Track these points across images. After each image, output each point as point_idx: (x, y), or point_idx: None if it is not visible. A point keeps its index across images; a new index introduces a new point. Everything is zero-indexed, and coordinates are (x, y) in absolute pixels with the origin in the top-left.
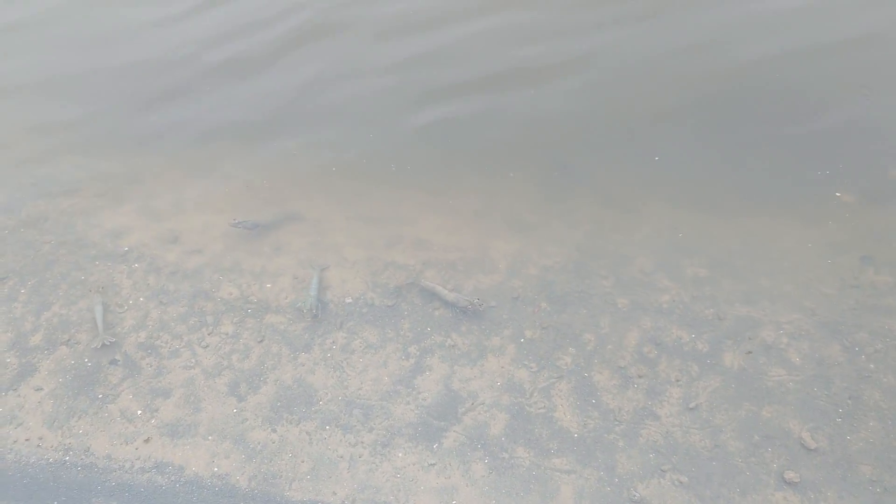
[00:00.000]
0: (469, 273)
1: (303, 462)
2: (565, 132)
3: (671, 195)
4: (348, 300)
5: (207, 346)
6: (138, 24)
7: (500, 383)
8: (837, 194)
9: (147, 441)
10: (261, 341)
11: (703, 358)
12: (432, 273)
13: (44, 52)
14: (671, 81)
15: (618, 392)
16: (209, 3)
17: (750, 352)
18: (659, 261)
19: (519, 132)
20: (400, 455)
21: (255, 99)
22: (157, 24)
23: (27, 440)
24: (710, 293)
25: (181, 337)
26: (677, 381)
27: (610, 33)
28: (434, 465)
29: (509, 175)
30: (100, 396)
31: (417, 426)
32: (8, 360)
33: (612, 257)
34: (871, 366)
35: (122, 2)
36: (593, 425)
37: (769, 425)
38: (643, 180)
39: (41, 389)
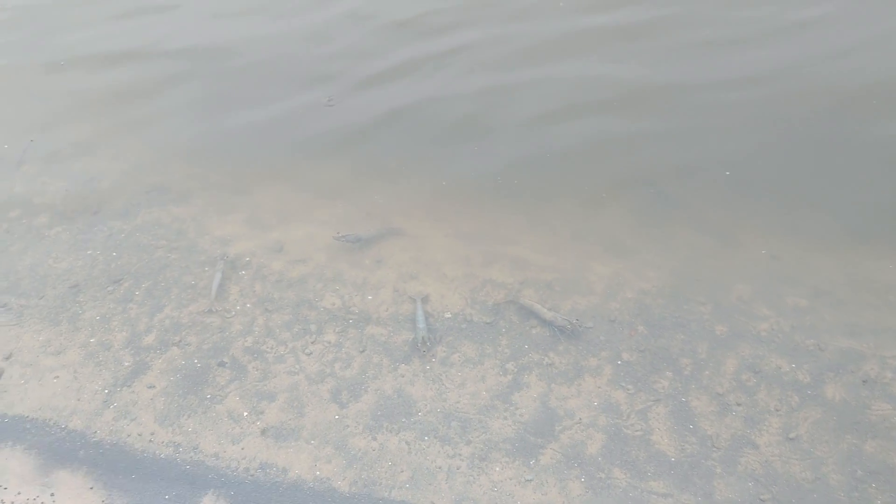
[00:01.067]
0: (566, 294)
1: (402, 471)
2: (662, 157)
3: (769, 224)
4: (447, 315)
5: (311, 354)
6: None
7: (596, 403)
8: None
9: (255, 439)
10: (362, 351)
11: (804, 388)
12: (530, 292)
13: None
14: (768, 110)
15: (716, 418)
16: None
17: (852, 384)
18: (757, 289)
19: (617, 156)
20: (497, 469)
21: (358, 113)
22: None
23: (140, 434)
24: (811, 323)
25: (286, 343)
26: (777, 410)
27: (698, 62)
28: (531, 480)
29: (605, 198)
30: (208, 396)
31: (515, 441)
32: (123, 358)
33: (710, 284)
34: None
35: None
36: (691, 450)
37: (873, 460)
38: (741, 207)
39: (153, 387)
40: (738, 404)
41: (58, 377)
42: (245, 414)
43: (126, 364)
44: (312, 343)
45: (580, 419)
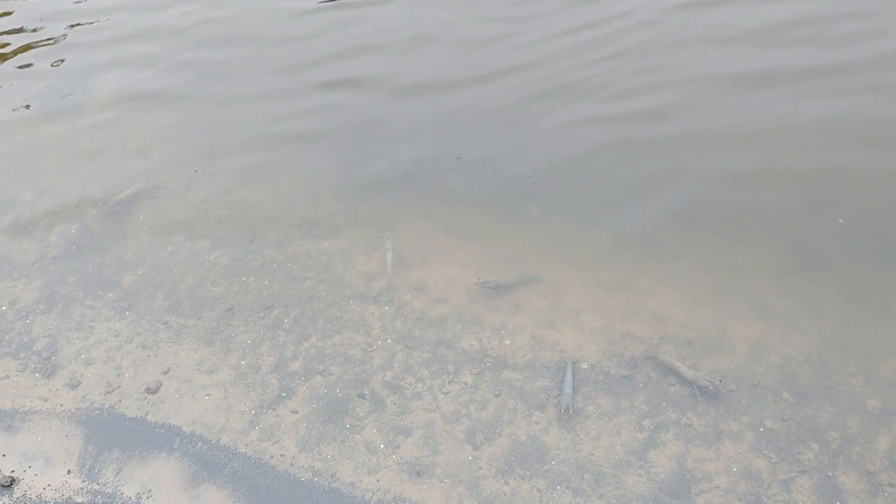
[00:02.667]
0: (707, 353)
1: None
2: (811, 217)
3: None
4: (584, 366)
5: (448, 393)
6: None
7: (736, 469)
8: None
9: (390, 472)
10: (498, 395)
11: None
12: (669, 348)
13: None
14: None
15: (865, 497)
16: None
17: None
18: None
19: (762, 213)
20: None
21: (506, 156)
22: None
23: (282, 457)
24: None
25: (424, 381)
26: None
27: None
28: None
29: (751, 256)
30: (347, 426)
31: (649, 500)
32: (270, 381)
33: (862, 354)
34: None
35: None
36: None
37: None
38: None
39: (297, 412)
40: (892, 485)
41: (209, 395)
42: (382, 446)
43: (273, 388)
44: (450, 383)
45: (718, 484)
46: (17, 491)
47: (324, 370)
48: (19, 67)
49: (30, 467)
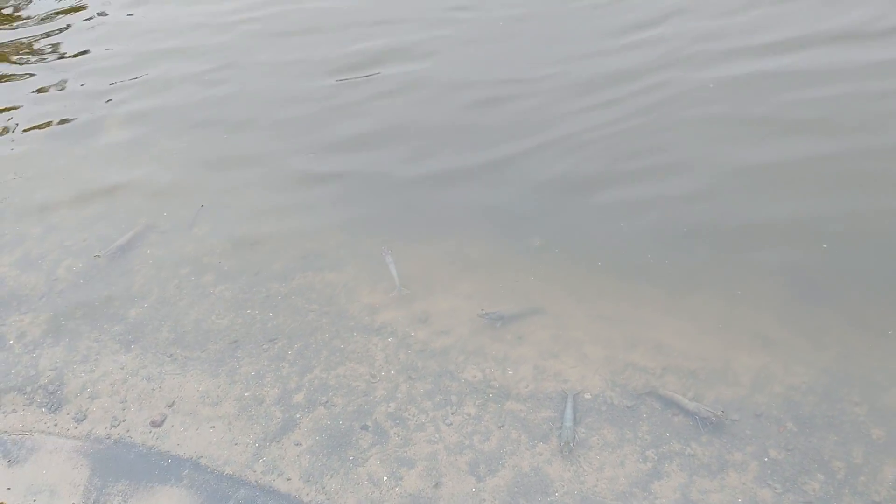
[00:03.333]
0: (710, 383)
1: None
2: (811, 249)
3: None
4: (587, 396)
5: (451, 424)
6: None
7: (741, 500)
8: None
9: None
10: (501, 426)
11: None
12: (672, 378)
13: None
14: None
15: None
16: None
17: None
18: None
19: (763, 246)
20: None
21: (503, 188)
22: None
23: (287, 488)
24: None
25: (427, 412)
26: None
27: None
28: None
29: (751, 286)
30: (350, 458)
31: None
32: (274, 413)
33: (865, 384)
34: None
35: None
36: None
37: None
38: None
39: (300, 444)
40: None
41: (214, 427)
42: (385, 478)
43: (276, 419)
44: (452, 414)
45: None
46: None
47: (327, 401)
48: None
49: (35, 501)
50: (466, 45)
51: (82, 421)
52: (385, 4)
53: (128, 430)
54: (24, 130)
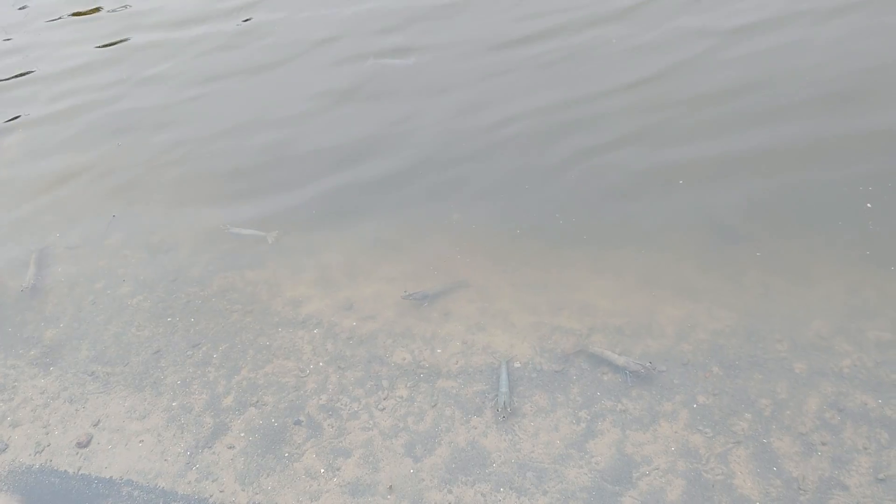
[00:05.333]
0: (637, 338)
1: None
2: (726, 192)
3: (843, 254)
4: (517, 365)
5: (384, 409)
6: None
7: (674, 448)
8: None
9: (332, 495)
10: (434, 405)
11: (893, 425)
12: (599, 338)
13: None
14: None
15: (800, 460)
16: None
17: None
18: (836, 324)
19: (679, 195)
20: None
21: (410, 169)
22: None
23: (221, 493)
24: None
25: (359, 400)
26: (865, 449)
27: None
28: None
29: (672, 238)
30: (286, 455)
31: (592, 490)
32: (204, 420)
33: (786, 321)
34: None
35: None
36: (776, 493)
37: None
38: (813, 239)
39: (233, 447)
40: (824, 444)
41: (143, 441)
42: (322, 471)
43: (207, 426)
44: (385, 399)
45: (658, 465)
46: None
47: (257, 401)
48: None
49: None
50: None
51: (4, 451)
52: None
53: (53, 456)
54: None
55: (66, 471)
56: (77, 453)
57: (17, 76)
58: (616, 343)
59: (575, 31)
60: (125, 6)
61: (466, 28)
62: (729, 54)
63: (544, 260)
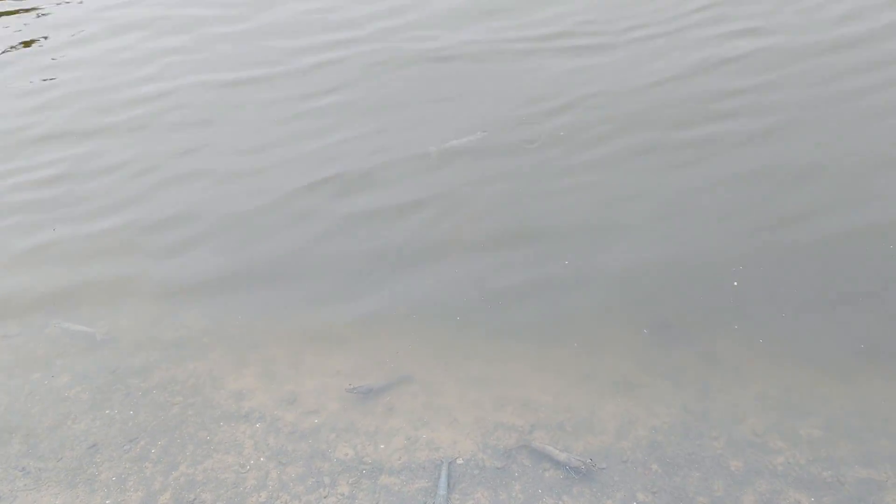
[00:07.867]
0: (578, 434)
1: None
2: (662, 289)
3: (777, 354)
4: (460, 461)
5: None
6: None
7: None
8: None
9: None
10: (375, 503)
11: None
12: (541, 434)
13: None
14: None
15: None
16: None
17: None
18: (770, 421)
19: (615, 290)
20: None
21: (332, 260)
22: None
23: None
24: (827, 455)
25: (299, 497)
26: None
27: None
28: None
29: (611, 335)
30: None
31: None
32: None
33: (722, 418)
34: None
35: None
36: None
37: None
38: (747, 338)
39: None
40: None
41: None
42: None
43: None
44: (325, 497)
45: None
46: None
47: (195, 499)
48: None
49: None
50: None
51: None
52: None
53: None
54: None
55: None
56: None
57: None
58: (558, 439)
59: None
60: None
61: None
62: None
63: (487, 354)
